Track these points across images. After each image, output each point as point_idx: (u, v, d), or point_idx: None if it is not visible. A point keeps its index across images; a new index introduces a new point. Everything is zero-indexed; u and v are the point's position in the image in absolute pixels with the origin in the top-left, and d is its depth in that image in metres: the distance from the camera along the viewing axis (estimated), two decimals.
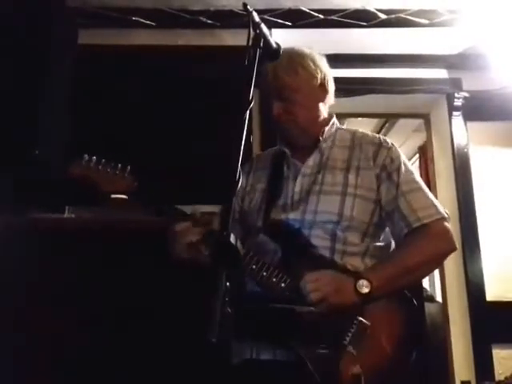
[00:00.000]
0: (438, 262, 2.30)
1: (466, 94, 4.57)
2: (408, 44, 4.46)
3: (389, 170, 2.28)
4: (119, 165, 2.24)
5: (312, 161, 2.36)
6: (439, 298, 5.08)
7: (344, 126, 2.54)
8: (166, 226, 2.25)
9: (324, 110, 2.44)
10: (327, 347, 2.02)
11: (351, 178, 2.27)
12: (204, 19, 4.13)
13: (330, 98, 2.47)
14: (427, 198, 2.26)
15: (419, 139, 5.93)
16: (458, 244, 4.27)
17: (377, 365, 2.02)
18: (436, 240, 2.20)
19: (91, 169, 2.21)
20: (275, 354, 2.12)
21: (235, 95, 1.73)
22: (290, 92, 2.32)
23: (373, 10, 4.16)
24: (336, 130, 2.45)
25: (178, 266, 2.22)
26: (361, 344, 2.02)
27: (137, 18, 4.13)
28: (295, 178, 2.34)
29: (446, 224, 2.23)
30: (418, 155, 6.28)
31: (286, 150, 2.42)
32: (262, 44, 1.87)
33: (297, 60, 2.36)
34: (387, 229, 2.34)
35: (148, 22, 4.14)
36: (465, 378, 3.97)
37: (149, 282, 3.15)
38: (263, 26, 1.88)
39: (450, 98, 4.65)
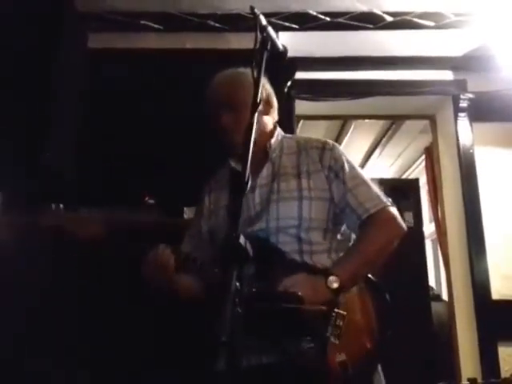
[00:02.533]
0: (391, 246, 2.37)
1: (472, 96, 4.58)
2: (414, 46, 4.48)
3: (334, 169, 2.39)
4: (87, 209, 2.30)
5: (265, 171, 2.43)
6: (445, 297, 5.10)
7: (288, 135, 2.63)
8: (174, 226, 2.30)
9: (270, 122, 2.53)
10: (312, 341, 2.10)
11: (304, 182, 2.37)
12: (212, 23, 4.14)
13: (275, 113, 2.57)
14: (371, 190, 2.39)
15: (425, 140, 5.94)
16: (463, 243, 4.34)
17: (358, 349, 2.16)
18: (384, 227, 2.36)
19: (61, 217, 2.29)
20: (262, 357, 2.18)
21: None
22: (239, 103, 2.39)
23: (379, 12, 4.17)
24: (281, 140, 2.54)
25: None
26: (341, 333, 2.13)
27: (145, 22, 4.15)
28: (253, 191, 2.40)
29: (391, 210, 2.38)
30: (424, 156, 6.28)
31: (239, 168, 2.43)
32: (269, 47, 1.91)
33: (242, 76, 2.45)
34: (344, 224, 2.45)
35: (156, 25, 4.16)
36: (471, 376, 3.96)
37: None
38: (270, 29, 1.92)
39: (455, 100, 4.66)
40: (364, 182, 2.40)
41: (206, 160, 3.58)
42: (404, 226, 2.39)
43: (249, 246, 1.57)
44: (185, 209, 3.47)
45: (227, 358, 1.39)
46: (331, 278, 2.14)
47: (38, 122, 3.40)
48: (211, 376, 2.20)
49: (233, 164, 2.49)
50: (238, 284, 1.48)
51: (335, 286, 2.14)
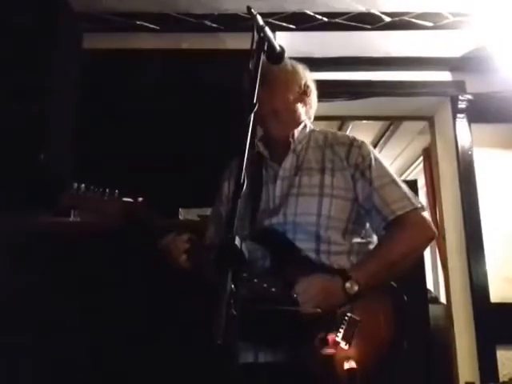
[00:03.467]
0: (418, 251, 2.33)
1: (470, 97, 4.56)
2: (412, 47, 4.46)
3: (361, 168, 2.32)
4: (107, 189, 2.28)
5: (288, 163, 2.40)
6: (443, 300, 5.08)
7: (317, 128, 2.57)
8: (170, 229, 2.28)
9: (302, 112, 2.50)
10: (321, 345, 2.04)
11: (327, 178, 2.31)
12: (208, 23, 4.13)
13: (311, 103, 2.55)
14: (400, 190, 2.30)
15: (423, 141, 5.93)
16: (462, 246, 4.32)
17: (372, 359, 2.06)
18: (412, 230, 2.25)
19: (81, 197, 2.27)
20: (271, 355, 2.15)
21: (239, 98, 1.75)
22: (276, 82, 2.39)
23: (377, 12, 4.16)
24: (309, 133, 2.50)
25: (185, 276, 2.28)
26: (353, 339, 2.05)
27: (141, 22, 4.13)
28: (274, 182, 2.39)
29: (421, 213, 2.28)
30: (422, 157, 6.28)
31: (265, 152, 2.47)
32: (266, 47, 1.89)
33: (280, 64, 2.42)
34: (367, 225, 2.38)
35: (152, 26, 4.14)
36: (469, 379, 3.95)
37: (152, 284, 3.16)
38: (267, 30, 1.91)
39: (454, 101, 4.65)
40: (392, 182, 2.31)
41: (202, 161, 3.58)
42: (435, 230, 2.30)
43: (244, 248, 1.56)
44: (180, 210, 3.45)
45: (223, 358, 1.39)
46: (349, 283, 2.08)
47: (35, 122, 3.38)
48: (208, 373, 2.19)
49: (260, 148, 2.49)
50: (233, 286, 1.47)
51: (354, 291, 2.08)
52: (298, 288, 2.10)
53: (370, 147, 2.40)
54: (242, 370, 2.18)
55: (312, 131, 2.51)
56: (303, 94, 2.49)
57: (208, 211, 2.71)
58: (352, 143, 2.39)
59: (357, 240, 2.32)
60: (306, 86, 2.50)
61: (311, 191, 2.30)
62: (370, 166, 2.32)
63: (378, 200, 2.27)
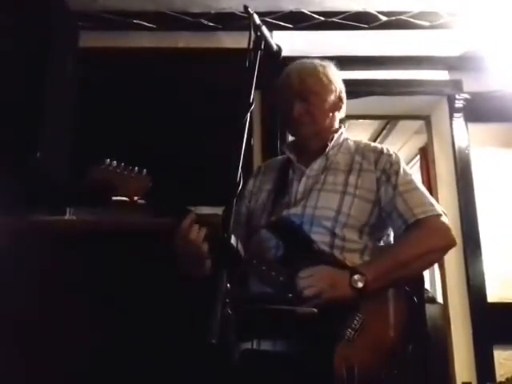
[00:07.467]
0: (434, 256, 2.29)
1: (467, 96, 4.55)
2: (409, 46, 4.46)
3: (388, 172, 2.34)
4: (136, 168, 2.27)
5: (317, 165, 2.43)
6: (440, 300, 5.08)
7: (351, 138, 2.60)
8: (168, 227, 2.27)
9: (337, 119, 2.55)
10: (323, 342, 2.03)
11: (352, 178, 2.34)
12: (205, 22, 4.14)
13: (344, 110, 2.59)
14: (424, 196, 2.31)
15: (420, 141, 5.92)
16: (459, 245, 4.30)
17: (372, 360, 2.03)
18: (431, 234, 2.24)
19: (111, 172, 2.24)
20: (274, 345, 2.13)
21: (236, 98, 1.75)
22: (314, 95, 2.43)
23: (374, 12, 4.16)
24: (343, 141, 2.53)
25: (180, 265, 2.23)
26: (356, 338, 2.04)
27: (138, 21, 4.14)
28: (299, 180, 2.41)
29: (443, 219, 2.27)
30: (418, 157, 6.27)
31: (292, 156, 2.49)
32: (262, 46, 1.90)
33: (321, 68, 2.50)
34: (389, 231, 2.40)
35: (149, 24, 4.15)
36: (466, 380, 3.95)
37: (149, 284, 3.16)
38: (264, 29, 1.91)
39: (450, 100, 4.64)
40: (417, 189, 2.33)
41: (200, 160, 3.58)
42: (454, 237, 2.28)
43: (240, 247, 1.56)
44: None
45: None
46: (356, 276, 2.07)
47: (32, 121, 3.38)
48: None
49: (287, 152, 2.53)
50: (228, 286, 1.47)
51: (359, 285, 2.06)
52: (303, 273, 2.10)
53: (400, 158, 2.42)
54: (241, 356, 2.18)
55: (346, 139, 2.54)
56: (340, 101, 2.55)
57: (204, 210, 2.70)
58: (383, 151, 2.42)
59: (374, 242, 2.32)
60: (340, 90, 2.56)
61: (334, 188, 2.32)
62: (396, 172, 2.34)
63: (401, 204, 2.27)
